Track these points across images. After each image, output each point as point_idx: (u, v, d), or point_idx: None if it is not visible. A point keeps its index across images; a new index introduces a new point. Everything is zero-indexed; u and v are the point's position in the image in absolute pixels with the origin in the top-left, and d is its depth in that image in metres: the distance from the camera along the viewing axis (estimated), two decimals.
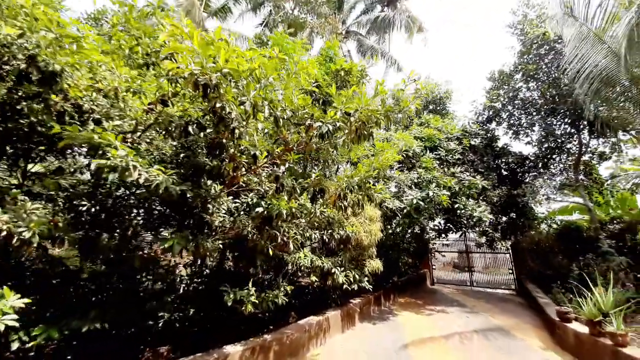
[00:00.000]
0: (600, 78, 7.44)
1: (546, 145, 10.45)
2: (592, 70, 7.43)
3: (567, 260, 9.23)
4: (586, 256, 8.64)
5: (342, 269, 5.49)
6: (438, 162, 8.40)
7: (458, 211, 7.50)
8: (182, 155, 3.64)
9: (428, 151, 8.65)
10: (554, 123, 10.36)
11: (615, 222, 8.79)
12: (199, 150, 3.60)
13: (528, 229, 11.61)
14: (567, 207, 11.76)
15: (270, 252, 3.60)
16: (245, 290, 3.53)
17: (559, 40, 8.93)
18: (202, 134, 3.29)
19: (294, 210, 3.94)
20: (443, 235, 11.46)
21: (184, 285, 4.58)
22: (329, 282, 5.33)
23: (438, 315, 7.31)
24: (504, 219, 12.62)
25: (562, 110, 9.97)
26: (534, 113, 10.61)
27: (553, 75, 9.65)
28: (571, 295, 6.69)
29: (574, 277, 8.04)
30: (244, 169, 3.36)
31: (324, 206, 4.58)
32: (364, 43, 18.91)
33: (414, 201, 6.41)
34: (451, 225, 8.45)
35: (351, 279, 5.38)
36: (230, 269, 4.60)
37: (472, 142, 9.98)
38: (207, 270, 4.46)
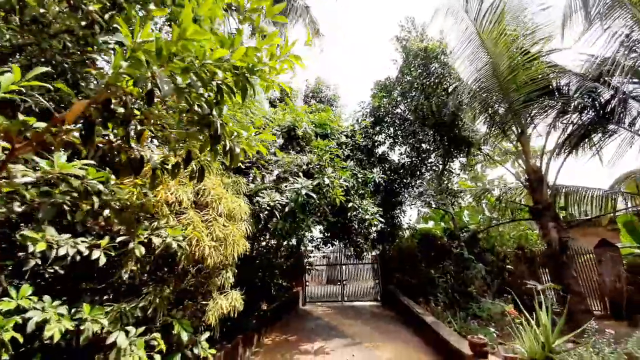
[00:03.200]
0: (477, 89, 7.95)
1: (414, 158, 10.99)
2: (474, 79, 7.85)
3: (429, 268, 9.49)
4: (444, 263, 9.01)
5: (143, 329, 2.35)
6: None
7: (349, 212, 5.84)
8: None
9: (320, 138, 6.80)
10: (422, 139, 11.07)
11: (463, 230, 9.73)
12: None
13: (395, 238, 11.90)
14: (424, 216, 12.91)
15: None
16: None
17: (436, 57, 9.48)
18: None
19: None
20: (322, 246, 10.01)
21: None
22: None
23: None
24: (374, 228, 12.63)
25: (427, 129, 10.76)
26: (408, 127, 11.06)
27: (426, 91, 10.24)
28: (455, 312, 6.21)
29: (441, 287, 7.97)
30: None
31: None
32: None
33: (303, 192, 4.14)
34: (337, 232, 6.75)
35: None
36: None
37: (361, 142, 9.11)
38: None
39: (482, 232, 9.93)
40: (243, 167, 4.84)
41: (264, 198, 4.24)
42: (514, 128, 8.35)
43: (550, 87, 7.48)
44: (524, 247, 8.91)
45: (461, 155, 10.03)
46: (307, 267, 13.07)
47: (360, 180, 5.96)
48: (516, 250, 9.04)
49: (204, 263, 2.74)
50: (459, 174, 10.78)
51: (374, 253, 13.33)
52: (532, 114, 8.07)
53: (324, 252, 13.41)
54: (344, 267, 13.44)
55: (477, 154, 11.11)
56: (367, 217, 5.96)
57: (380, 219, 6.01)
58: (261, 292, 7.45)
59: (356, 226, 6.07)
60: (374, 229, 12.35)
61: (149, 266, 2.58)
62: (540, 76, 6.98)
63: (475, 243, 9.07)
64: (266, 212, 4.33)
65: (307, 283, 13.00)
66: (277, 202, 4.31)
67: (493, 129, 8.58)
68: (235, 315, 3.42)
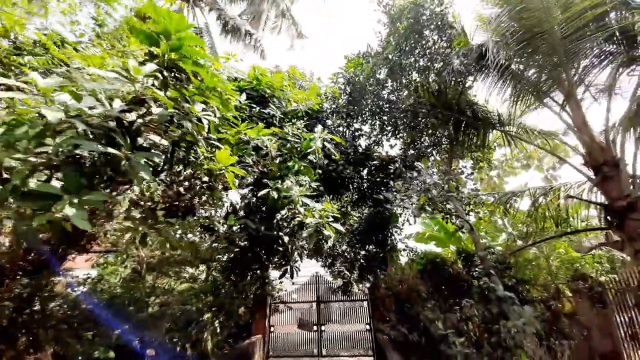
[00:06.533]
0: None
1: (411, 152, 8.19)
2: None
3: (438, 311, 6.23)
4: (463, 304, 5.77)
5: None
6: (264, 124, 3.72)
7: (275, 209, 2.90)
8: None
9: (243, 95, 4.07)
10: (418, 126, 8.33)
11: (488, 253, 6.57)
12: None
13: (387, 264, 8.71)
14: (423, 234, 9.76)
15: None
16: None
17: (433, 15, 7.02)
18: None
19: None
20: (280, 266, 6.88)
21: None
22: None
23: None
24: (362, 252, 9.53)
25: (425, 116, 8.07)
26: (398, 115, 8.37)
27: (419, 63, 7.68)
28: None
29: (459, 353, 4.66)
30: None
31: None
32: (229, 19, 14.44)
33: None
34: (261, 250, 3.66)
35: None
36: None
37: (328, 121, 6.38)
38: None
39: (513, 254, 6.77)
40: None
41: None
42: (554, 95, 5.61)
43: (607, 19, 4.84)
44: (586, 276, 5.70)
45: (475, 143, 7.16)
46: (272, 302, 9.73)
47: (295, 147, 3.09)
48: (572, 281, 5.82)
49: None
50: (471, 173, 7.83)
51: (364, 286, 10.07)
52: (579, 70, 5.33)
53: (295, 285, 10.11)
54: (323, 305, 10.02)
55: (494, 147, 8.26)
56: (309, 220, 3.00)
57: (337, 227, 3.01)
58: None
59: (286, 239, 3.08)
60: (356, 253, 9.30)
61: None
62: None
63: (506, 272, 5.91)
64: None
65: (272, 328, 9.54)
66: None
67: (521, 94, 5.80)
68: None
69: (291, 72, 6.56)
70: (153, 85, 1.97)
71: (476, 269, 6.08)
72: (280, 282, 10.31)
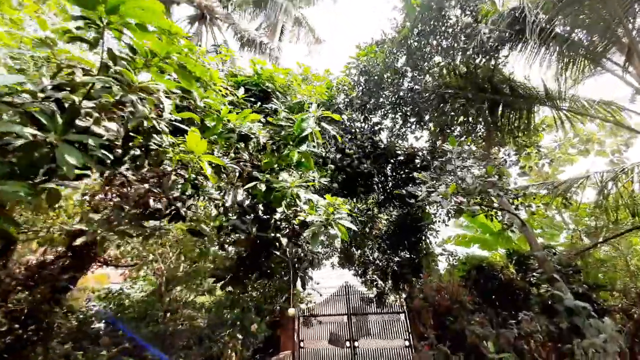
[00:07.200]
0: None
1: (439, 142, 7.33)
2: None
3: (489, 326, 5.23)
4: (520, 316, 4.76)
5: None
6: (263, 125, 3.26)
7: (275, 211, 2.45)
8: None
9: (241, 90, 3.78)
10: (448, 115, 7.46)
11: (548, 253, 5.44)
12: None
13: (424, 271, 7.76)
14: (464, 237, 8.64)
15: None
16: None
17: None
18: None
19: None
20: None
21: None
22: None
23: None
24: (396, 259, 8.71)
25: (453, 100, 7.20)
26: (426, 104, 7.59)
27: (442, 45, 6.91)
28: None
29: None
30: None
31: None
32: (244, 33, 15.04)
33: None
34: (257, 256, 3.18)
35: None
36: None
37: (344, 114, 5.88)
38: None
39: (579, 255, 5.54)
40: None
41: None
42: (612, 56, 4.54)
43: None
44: None
45: (516, 127, 6.14)
46: (300, 315, 9.16)
47: (289, 133, 2.65)
48: None
49: None
50: (517, 161, 6.73)
51: (400, 297, 9.19)
52: (637, 25, 4.24)
53: (324, 294, 9.50)
54: (355, 318, 9.22)
55: (543, 129, 7.06)
56: (311, 218, 2.50)
57: (348, 224, 2.47)
58: None
59: (284, 241, 2.61)
60: (389, 260, 8.45)
61: None
62: None
63: (574, 277, 4.78)
64: None
65: (302, 342, 8.96)
66: None
67: (571, 60, 4.79)
68: None
69: (305, 71, 6.25)
70: (109, 67, 1.67)
71: (534, 273, 5.02)
72: (309, 294, 9.79)
